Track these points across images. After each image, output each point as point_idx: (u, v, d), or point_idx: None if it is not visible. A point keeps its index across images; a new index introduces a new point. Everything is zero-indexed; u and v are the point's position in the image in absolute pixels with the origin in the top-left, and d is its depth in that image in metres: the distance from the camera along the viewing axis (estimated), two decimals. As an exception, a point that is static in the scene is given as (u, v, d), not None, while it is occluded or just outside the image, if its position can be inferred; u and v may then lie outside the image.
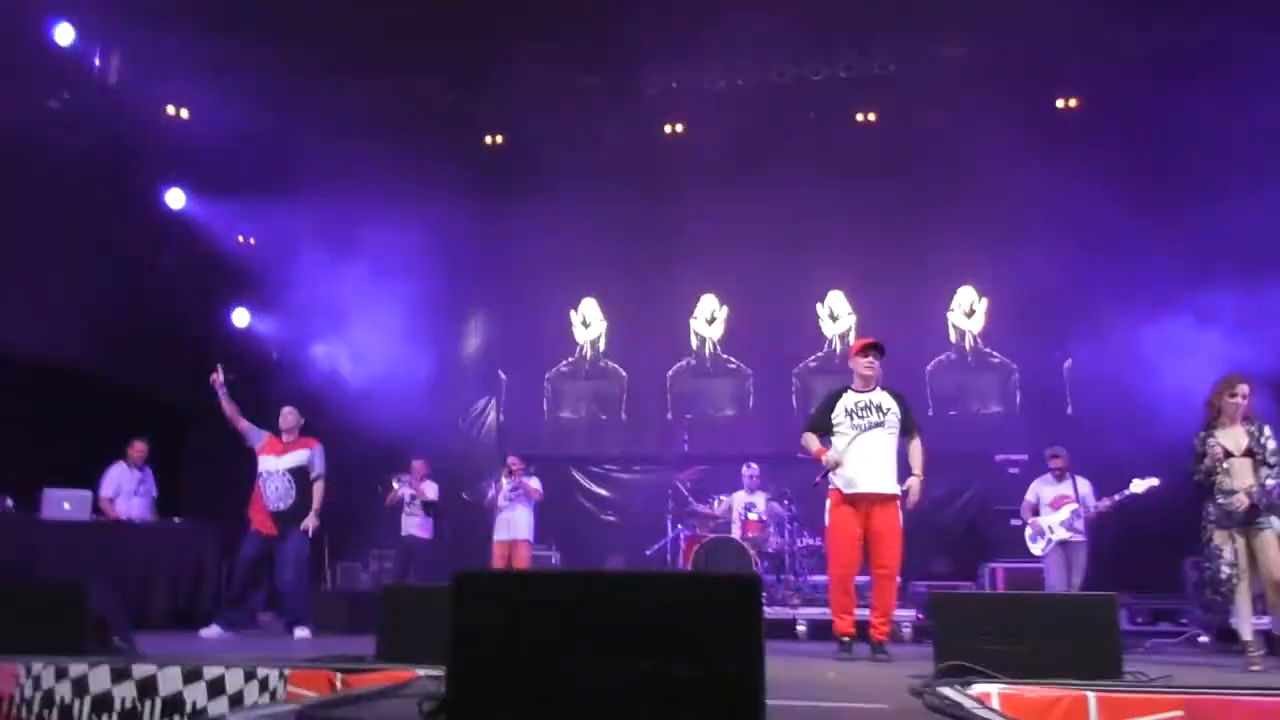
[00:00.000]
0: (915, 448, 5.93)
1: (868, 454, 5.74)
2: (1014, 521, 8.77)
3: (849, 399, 5.91)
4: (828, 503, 5.90)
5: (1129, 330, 9.83)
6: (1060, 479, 8.12)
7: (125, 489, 8.44)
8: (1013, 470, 9.80)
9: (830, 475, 5.84)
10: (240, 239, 11.14)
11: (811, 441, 5.99)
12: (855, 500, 5.71)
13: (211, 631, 6.94)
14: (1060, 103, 10.42)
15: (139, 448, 8.58)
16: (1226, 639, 7.15)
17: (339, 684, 3.78)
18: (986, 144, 10.31)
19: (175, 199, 10.79)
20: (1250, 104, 8.42)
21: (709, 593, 2.17)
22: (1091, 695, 3.35)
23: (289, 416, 7.46)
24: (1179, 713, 3.25)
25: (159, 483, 8.83)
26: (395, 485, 9.50)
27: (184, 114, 10.26)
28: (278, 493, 7.22)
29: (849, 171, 10.87)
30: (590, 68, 10.47)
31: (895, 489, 5.74)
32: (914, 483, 5.75)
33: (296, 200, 9.96)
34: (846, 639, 5.72)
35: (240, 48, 9.10)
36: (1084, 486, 8.01)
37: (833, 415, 5.91)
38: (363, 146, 10.03)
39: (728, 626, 2.11)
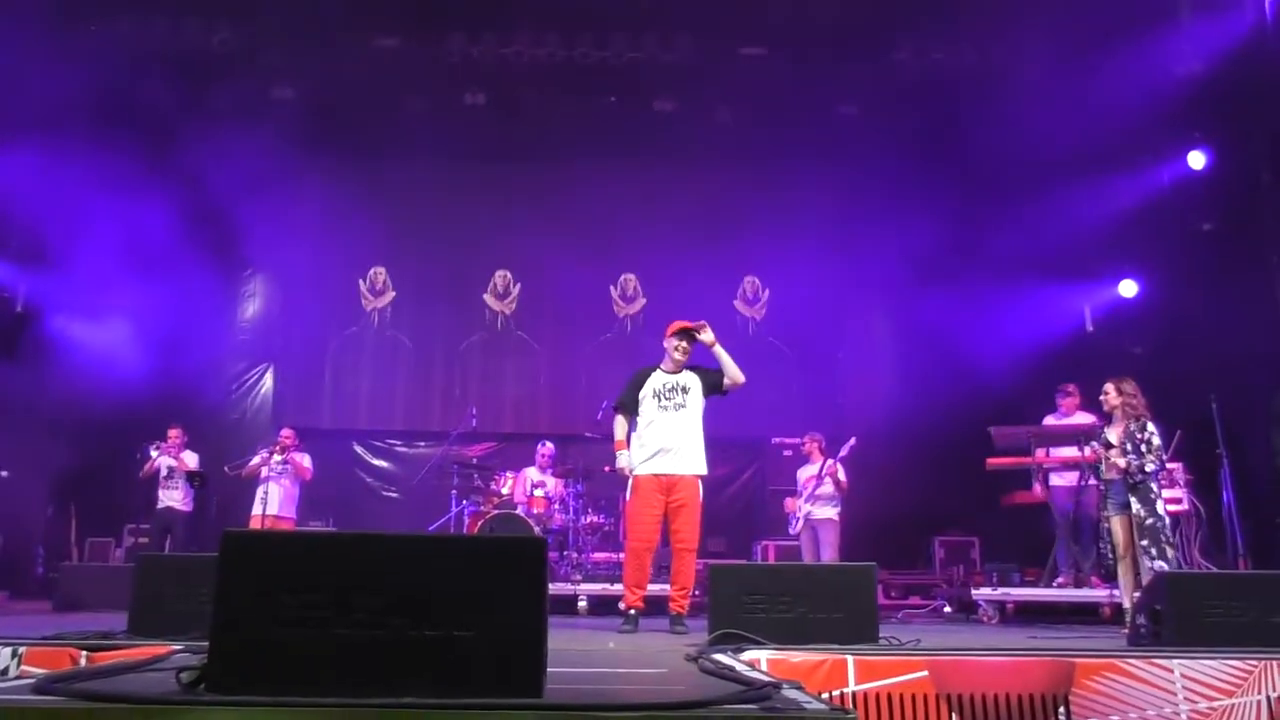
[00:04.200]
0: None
1: (671, 435, 5.80)
2: (786, 500, 9.30)
3: (657, 380, 5.95)
4: (630, 478, 5.90)
5: (894, 324, 10.68)
6: (814, 460, 8.65)
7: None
8: (786, 453, 10.36)
9: (628, 464, 5.90)
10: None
11: (618, 428, 6.06)
12: (658, 478, 5.77)
13: None
14: (843, 109, 10.88)
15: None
16: (965, 609, 7.94)
17: (84, 663, 3.47)
18: (775, 143, 10.86)
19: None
20: (1017, 123, 9.10)
21: (493, 556, 2.13)
22: (850, 658, 3.65)
23: None
24: (925, 673, 3.59)
25: None
26: (152, 454, 8.81)
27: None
28: None
29: (644, 156, 11.03)
30: (390, 28, 10.01)
31: (697, 469, 5.82)
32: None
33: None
34: (633, 612, 5.72)
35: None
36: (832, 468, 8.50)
37: (640, 394, 5.95)
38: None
39: (511, 590, 2.09)
